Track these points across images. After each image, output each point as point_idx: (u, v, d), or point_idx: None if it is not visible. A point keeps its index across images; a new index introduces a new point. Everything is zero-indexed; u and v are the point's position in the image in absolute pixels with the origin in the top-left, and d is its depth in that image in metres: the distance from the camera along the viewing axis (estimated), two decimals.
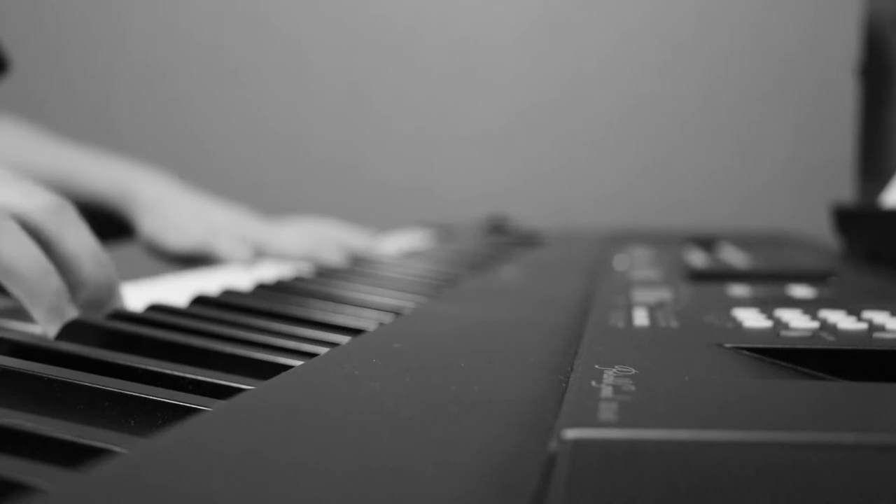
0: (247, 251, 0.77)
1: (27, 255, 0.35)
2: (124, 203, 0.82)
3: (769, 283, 0.47)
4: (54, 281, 0.35)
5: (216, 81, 1.48)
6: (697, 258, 0.66)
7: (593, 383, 0.22)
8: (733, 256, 0.69)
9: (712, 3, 1.38)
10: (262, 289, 0.48)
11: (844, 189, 1.34)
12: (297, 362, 0.29)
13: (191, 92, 1.48)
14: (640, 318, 0.34)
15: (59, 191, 0.78)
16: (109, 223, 0.81)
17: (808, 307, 0.36)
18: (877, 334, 0.30)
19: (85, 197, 0.80)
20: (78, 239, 0.38)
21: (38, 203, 0.37)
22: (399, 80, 1.45)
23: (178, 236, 0.79)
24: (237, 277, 0.60)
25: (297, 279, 0.53)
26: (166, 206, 0.81)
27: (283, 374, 0.25)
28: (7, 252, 0.34)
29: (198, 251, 0.78)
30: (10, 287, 0.35)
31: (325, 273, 0.58)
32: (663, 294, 0.42)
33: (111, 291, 0.39)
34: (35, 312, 0.35)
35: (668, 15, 1.39)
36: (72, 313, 0.35)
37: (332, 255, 0.77)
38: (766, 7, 1.37)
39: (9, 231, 0.35)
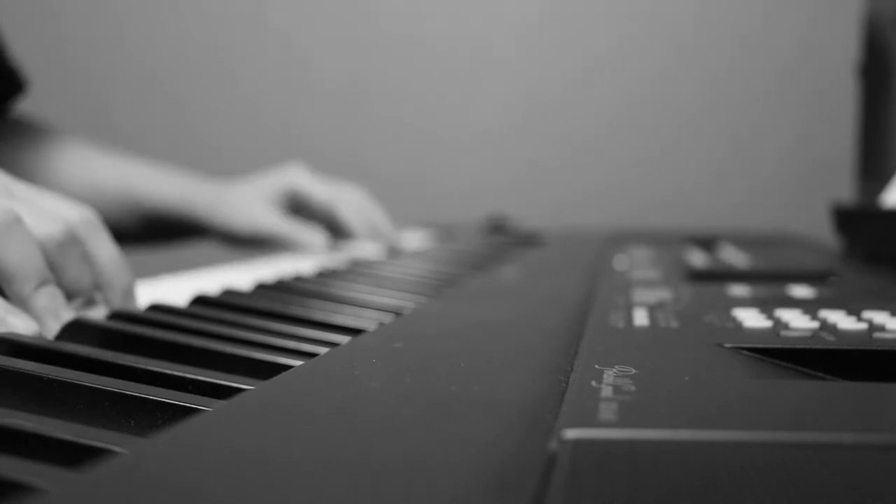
0: (321, 237, 0.84)
1: (26, 261, 0.36)
2: (189, 206, 0.90)
3: (769, 283, 0.47)
4: (49, 288, 0.36)
5: (216, 81, 1.48)
6: (697, 258, 0.66)
7: (593, 383, 0.22)
8: (733, 256, 0.69)
9: (713, 3, 1.38)
10: (262, 289, 0.48)
11: (844, 189, 1.34)
12: (297, 362, 0.29)
13: (191, 92, 1.48)
14: (640, 318, 0.34)
15: (124, 200, 0.87)
16: (172, 227, 0.92)
17: (808, 307, 0.36)
18: (877, 334, 0.30)
19: (150, 205, 0.90)
20: (75, 272, 0.39)
21: (48, 233, 0.38)
22: (399, 80, 1.45)
23: (246, 220, 0.87)
24: (237, 277, 0.60)
25: (297, 279, 0.53)
26: (228, 202, 0.90)
27: (283, 374, 0.25)
28: (11, 256, 0.35)
29: (268, 235, 0.86)
30: (6, 289, 0.35)
31: (326, 273, 0.58)
32: (663, 294, 0.42)
33: (110, 301, 0.41)
34: (28, 314, 0.36)
35: (668, 15, 1.39)
36: (67, 315, 0.36)
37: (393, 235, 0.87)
38: (766, 7, 1.37)
39: (17, 236, 0.36)
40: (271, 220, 0.86)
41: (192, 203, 0.90)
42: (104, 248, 0.41)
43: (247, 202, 0.88)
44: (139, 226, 0.91)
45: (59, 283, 0.38)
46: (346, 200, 0.89)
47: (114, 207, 0.89)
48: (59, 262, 0.38)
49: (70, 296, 0.38)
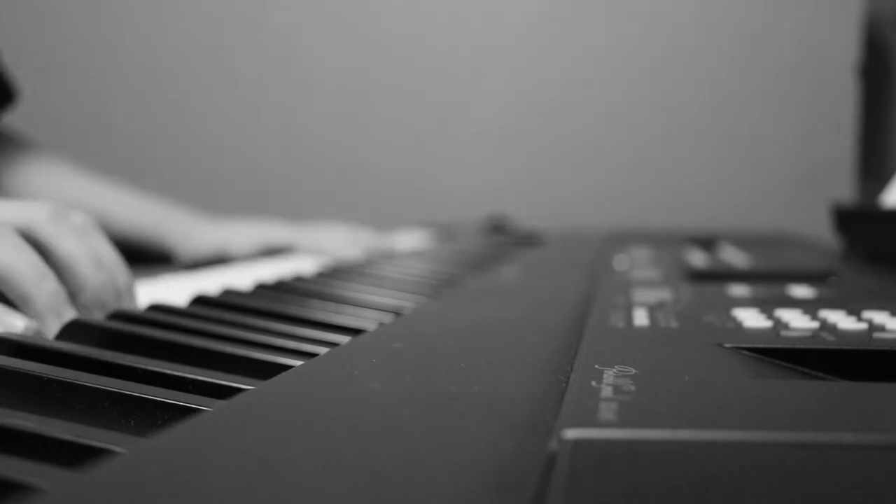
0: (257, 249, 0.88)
1: (22, 260, 0.35)
2: (158, 233, 0.92)
3: (769, 283, 0.47)
4: (49, 284, 0.36)
5: (216, 81, 1.48)
6: (697, 258, 0.66)
7: (593, 383, 0.22)
8: (733, 256, 0.69)
9: (713, 3, 1.38)
10: (262, 289, 0.48)
11: (844, 189, 1.34)
12: (297, 362, 0.29)
13: (191, 92, 1.48)
14: (640, 318, 0.34)
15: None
16: (139, 252, 0.92)
17: (808, 307, 0.36)
18: (877, 334, 0.30)
19: (118, 229, 0.90)
20: (73, 243, 0.38)
21: (35, 211, 0.38)
22: (399, 79, 1.45)
23: (199, 245, 0.91)
24: (238, 277, 0.60)
25: (297, 279, 0.53)
26: (199, 227, 0.93)
27: (283, 374, 0.25)
28: (4, 257, 0.35)
29: (214, 252, 0.89)
30: (6, 292, 0.35)
31: (326, 273, 0.58)
32: (663, 294, 0.42)
33: (117, 294, 0.40)
34: (30, 314, 0.36)
35: (668, 15, 1.39)
36: (69, 314, 0.36)
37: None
38: (766, 7, 1.37)
39: (4, 237, 0.35)
40: (236, 239, 0.89)
41: (163, 234, 0.92)
42: (102, 248, 0.41)
43: (219, 241, 0.90)
44: None
45: (59, 258, 0.38)
46: (329, 243, 0.88)
47: None
48: (53, 233, 0.38)
49: (71, 271, 0.38)
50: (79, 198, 0.90)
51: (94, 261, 0.39)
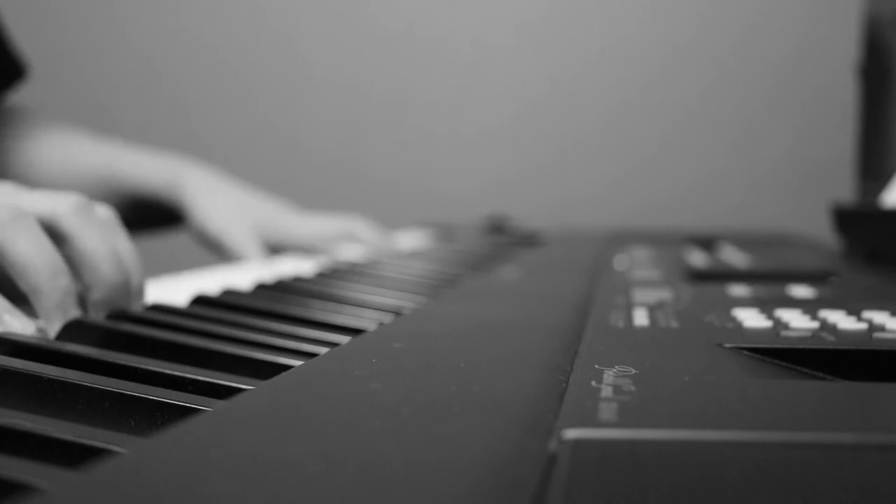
0: (257, 250, 0.81)
1: (41, 254, 0.35)
2: (173, 190, 0.85)
3: (769, 283, 0.47)
4: (63, 281, 0.36)
5: (216, 81, 1.48)
6: (697, 258, 0.66)
7: (593, 383, 0.22)
8: (733, 256, 0.69)
9: (713, 2, 1.38)
10: (262, 289, 0.48)
11: (844, 189, 1.34)
12: (297, 362, 0.29)
13: (191, 92, 1.48)
14: (640, 318, 0.34)
15: (107, 182, 0.80)
16: (157, 211, 0.86)
17: (808, 307, 0.36)
18: (877, 334, 0.30)
19: (133, 187, 0.85)
20: (96, 238, 0.38)
21: (60, 203, 0.38)
22: (399, 79, 1.45)
23: (218, 224, 0.83)
24: (237, 277, 0.60)
25: (297, 279, 0.53)
26: (216, 195, 0.84)
27: (283, 374, 0.25)
28: (22, 248, 0.35)
29: (217, 241, 0.82)
30: (20, 282, 0.35)
31: (326, 273, 0.58)
32: (663, 294, 0.42)
33: (128, 292, 0.40)
34: (39, 309, 0.35)
35: (668, 14, 1.39)
36: (74, 313, 0.36)
37: (354, 252, 0.81)
38: (766, 7, 1.37)
39: (26, 228, 0.35)
40: (238, 232, 0.82)
41: (177, 186, 0.85)
42: (123, 246, 0.40)
43: (230, 214, 0.83)
44: (123, 209, 0.87)
45: (80, 252, 0.38)
46: (323, 238, 0.85)
47: (96, 191, 0.84)
48: (76, 226, 0.38)
49: (90, 267, 0.38)
50: (88, 160, 0.86)
51: (114, 259, 0.39)
